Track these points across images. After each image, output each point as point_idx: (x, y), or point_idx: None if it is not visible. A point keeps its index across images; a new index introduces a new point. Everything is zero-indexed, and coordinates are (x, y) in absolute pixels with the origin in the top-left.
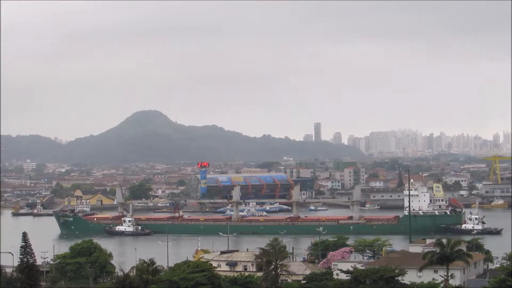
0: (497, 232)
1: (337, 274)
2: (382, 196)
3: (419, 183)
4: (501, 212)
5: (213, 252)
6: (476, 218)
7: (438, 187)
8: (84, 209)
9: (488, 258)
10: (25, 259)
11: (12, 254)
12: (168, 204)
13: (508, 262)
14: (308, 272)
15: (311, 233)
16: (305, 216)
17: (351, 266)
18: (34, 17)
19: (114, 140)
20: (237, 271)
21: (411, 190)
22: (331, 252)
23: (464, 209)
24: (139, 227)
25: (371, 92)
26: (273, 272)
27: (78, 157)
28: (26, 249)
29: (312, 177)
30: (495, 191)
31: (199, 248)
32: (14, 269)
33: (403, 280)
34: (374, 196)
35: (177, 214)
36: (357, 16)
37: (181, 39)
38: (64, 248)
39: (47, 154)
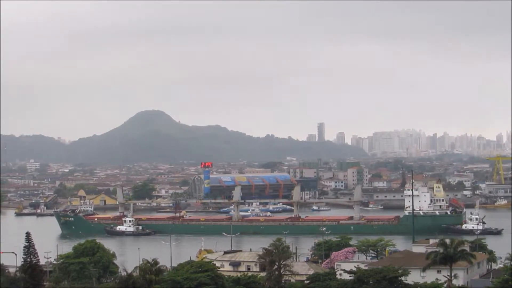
0: (497, 232)
1: (340, 274)
2: (386, 196)
3: (419, 183)
4: (504, 212)
5: (216, 252)
6: (476, 218)
7: (439, 187)
8: (88, 209)
9: (492, 258)
10: (29, 259)
11: (16, 254)
12: (171, 204)
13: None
14: (311, 272)
15: (312, 233)
16: (306, 216)
17: (354, 266)
18: (37, 17)
19: (118, 140)
20: (240, 271)
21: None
22: (334, 252)
23: (464, 209)
24: (140, 227)
25: (375, 92)
26: (276, 272)
27: (82, 157)
28: (29, 249)
29: (315, 177)
30: (498, 191)
31: (202, 248)
32: (18, 269)
33: (406, 280)
34: (377, 196)
35: (177, 214)
36: (359, 16)
37: (185, 39)
38: (67, 248)
39: (51, 154)
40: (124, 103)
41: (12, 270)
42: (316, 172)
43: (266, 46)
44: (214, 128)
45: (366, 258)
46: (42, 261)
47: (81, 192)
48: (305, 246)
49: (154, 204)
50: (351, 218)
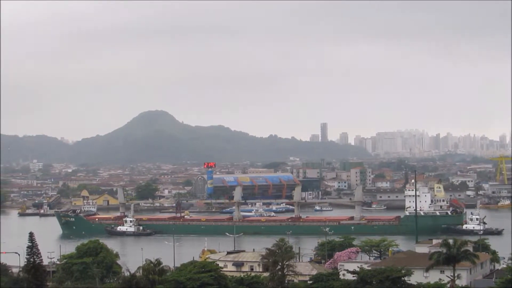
0: (498, 233)
1: (343, 275)
2: (389, 197)
3: (420, 184)
4: (507, 212)
5: (219, 252)
6: (477, 219)
7: (439, 188)
8: (91, 209)
9: (495, 258)
10: (32, 259)
11: (19, 254)
12: (174, 205)
13: None
14: (314, 272)
15: (312, 233)
16: (307, 217)
17: (358, 267)
18: (40, 17)
19: (121, 140)
20: (243, 272)
21: (412, 190)
22: (337, 253)
23: (465, 210)
24: (141, 227)
25: (378, 93)
26: (280, 273)
27: (85, 157)
28: (32, 249)
29: (318, 177)
30: (501, 192)
31: (205, 249)
32: (21, 269)
33: (409, 280)
34: (380, 197)
35: (178, 214)
36: (363, 16)
37: (188, 39)
38: (70, 248)
39: (54, 154)
40: (127, 103)
41: (15, 270)
42: (319, 172)
43: (269, 46)
44: (217, 128)
45: (369, 259)
46: (45, 261)
47: (84, 193)
48: (306, 246)
49: (157, 204)
50: (351, 218)
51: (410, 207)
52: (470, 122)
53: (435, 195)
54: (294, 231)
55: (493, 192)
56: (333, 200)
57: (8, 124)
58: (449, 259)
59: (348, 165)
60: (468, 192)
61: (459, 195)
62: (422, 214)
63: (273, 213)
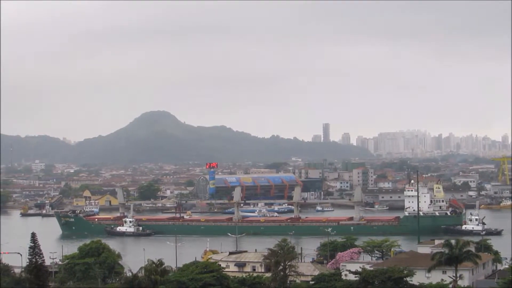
0: (497, 233)
1: (345, 275)
2: (391, 197)
3: (419, 184)
4: (509, 213)
5: (221, 252)
6: (476, 219)
7: (439, 188)
8: (93, 209)
9: (497, 259)
10: (34, 260)
11: (21, 255)
12: (176, 205)
13: None
14: (316, 272)
15: (312, 233)
16: (306, 217)
17: (360, 267)
18: (43, 18)
19: (123, 140)
20: (245, 272)
21: (411, 191)
22: (339, 253)
23: (464, 210)
24: (140, 228)
25: (380, 93)
26: (282, 273)
27: (87, 158)
28: (34, 249)
29: (320, 177)
30: (503, 192)
31: (207, 249)
32: (23, 269)
33: (411, 281)
34: (382, 197)
35: (178, 215)
36: (365, 17)
37: (190, 40)
38: (71, 248)
39: (56, 155)
40: (129, 103)
41: (17, 270)
42: (321, 173)
43: (272, 46)
44: (219, 128)
45: (372, 259)
46: (48, 262)
47: (87, 193)
48: (306, 247)
49: (159, 204)
50: (351, 219)
51: (409, 207)
52: (474, 123)
53: (435, 196)
54: (294, 232)
55: (495, 193)
56: (335, 200)
57: (10, 124)
58: (451, 259)
59: (350, 166)
60: (470, 193)
61: (461, 196)
62: (422, 214)
63: (276, 214)
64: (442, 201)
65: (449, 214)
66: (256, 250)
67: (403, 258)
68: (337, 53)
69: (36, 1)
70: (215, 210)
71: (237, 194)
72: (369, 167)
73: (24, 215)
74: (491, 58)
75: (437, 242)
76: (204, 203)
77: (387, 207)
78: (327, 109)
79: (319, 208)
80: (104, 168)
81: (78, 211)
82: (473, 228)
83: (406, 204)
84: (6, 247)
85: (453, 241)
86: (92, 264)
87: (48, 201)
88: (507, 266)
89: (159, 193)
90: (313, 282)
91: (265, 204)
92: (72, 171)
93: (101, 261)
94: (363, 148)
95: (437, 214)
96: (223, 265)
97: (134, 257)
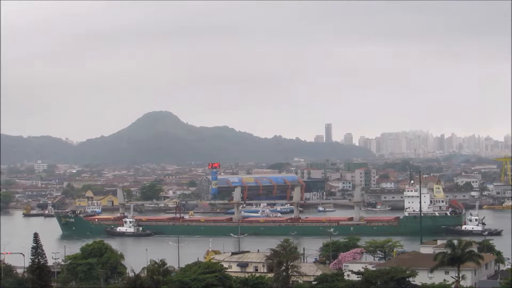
0: (496, 233)
1: (348, 275)
2: (393, 197)
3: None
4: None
5: (224, 253)
6: (476, 219)
7: (438, 188)
8: (96, 210)
9: (499, 259)
10: (36, 260)
11: (23, 255)
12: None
13: None
14: (319, 273)
15: (311, 234)
16: (306, 217)
17: (362, 267)
18: (45, 17)
19: (125, 141)
20: (248, 272)
21: (411, 191)
22: (342, 253)
23: (464, 210)
24: (140, 228)
25: (382, 93)
26: (284, 273)
27: (89, 158)
28: (37, 249)
29: (323, 178)
30: (506, 192)
31: (210, 249)
32: (25, 269)
33: (414, 281)
34: (385, 197)
35: (177, 215)
36: (367, 17)
37: (192, 40)
38: (73, 249)
39: (58, 155)
40: (131, 104)
41: (20, 271)
42: (323, 173)
43: (274, 46)
44: (221, 129)
45: (374, 259)
46: (50, 262)
47: (89, 193)
48: (306, 247)
49: (162, 205)
50: (351, 219)
51: (409, 208)
52: (471, 123)
53: (435, 196)
54: (293, 232)
55: (498, 193)
56: (337, 200)
57: (13, 124)
58: (453, 260)
59: (353, 166)
60: (473, 193)
61: (464, 196)
62: (421, 215)
63: (279, 214)
64: (442, 201)
65: (449, 214)
66: (258, 250)
67: (405, 258)
68: (339, 54)
69: (36, 1)
70: (218, 211)
71: (237, 194)
72: (371, 167)
73: (26, 215)
74: (496, 58)
75: (439, 242)
76: (206, 204)
77: (390, 208)
78: (330, 109)
79: (321, 208)
80: (106, 168)
81: (78, 211)
82: (472, 228)
83: (406, 205)
84: (8, 247)
85: (455, 242)
86: (94, 265)
87: (50, 202)
88: (509, 267)
89: (161, 193)
90: (315, 283)
91: (268, 204)
92: (74, 171)
93: (103, 261)
94: (366, 148)
95: (437, 214)
96: (225, 265)
97: (135, 257)
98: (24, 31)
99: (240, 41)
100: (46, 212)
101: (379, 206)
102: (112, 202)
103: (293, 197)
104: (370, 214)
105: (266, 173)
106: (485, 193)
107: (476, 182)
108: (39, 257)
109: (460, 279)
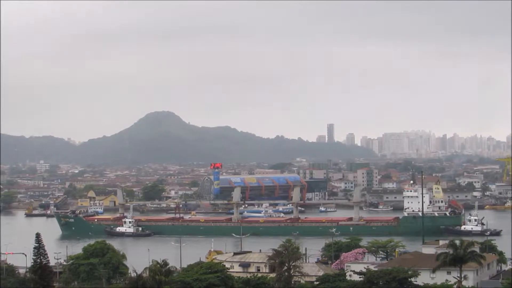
0: (496, 234)
1: (350, 275)
2: (395, 197)
3: (418, 185)
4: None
5: (226, 253)
6: (475, 220)
7: (438, 189)
8: (98, 210)
9: (502, 259)
10: (38, 260)
11: (25, 255)
12: (180, 205)
13: None
14: (321, 273)
15: (311, 234)
16: (306, 218)
17: (364, 267)
18: (46, 17)
19: (127, 141)
20: (250, 272)
21: (411, 191)
22: (344, 253)
23: (463, 211)
24: (140, 228)
25: (384, 93)
26: (286, 273)
27: (91, 158)
28: (39, 250)
29: (325, 178)
30: (508, 192)
31: (212, 249)
32: (27, 269)
33: (416, 281)
34: (387, 197)
35: (178, 215)
36: (368, 17)
37: (194, 40)
38: (74, 249)
39: (60, 155)
40: (133, 104)
41: (22, 271)
42: (325, 173)
43: (276, 46)
44: (223, 129)
45: (376, 259)
46: (52, 262)
47: (91, 193)
48: (307, 247)
49: (164, 205)
50: (351, 219)
51: (408, 208)
52: (471, 123)
53: (434, 196)
54: (294, 232)
55: (500, 193)
56: (339, 201)
57: (15, 124)
58: (456, 260)
59: (355, 166)
60: (475, 193)
61: (466, 196)
62: (421, 215)
63: (282, 214)
64: (441, 201)
65: (448, 214)
66: (260, 250)
67: (407, 258)
68: (341, 53)
69: (36, 1)
70: (220, 211)
71: (236, 195)
72: (373, 167)
73: (28, 215)
74: (497, 58)
75: (441, 242)
76: (208, 204)
77: (392, 208)
78: (332, 109)
79: (322, 208)
80: (108, 168)
81: (78, 212)
82: (472, 228)
83: (405, 205)
84: (10, 247)
85: (457, 242)
86: (96, 265)
87: (52, 202)
88: (511, 267)
89: (163, 193)
90: (317, 283)
91: (270, 204)
92: (76, 171)
93: (105, 261)
94: (368, 148)
95: (436, 214)
96: (227, 265)
97: (136, 258)
98: (24, 31)
99: (240, 41)
100: (48, 212)
101: (381, 206)
102: (114, 202)
103: (293, 197)
104: (372, 214)
105: (268, 173)
106: (487, 193)
107: (478, 182)
108: (41, 257)
109: (462, 279)
